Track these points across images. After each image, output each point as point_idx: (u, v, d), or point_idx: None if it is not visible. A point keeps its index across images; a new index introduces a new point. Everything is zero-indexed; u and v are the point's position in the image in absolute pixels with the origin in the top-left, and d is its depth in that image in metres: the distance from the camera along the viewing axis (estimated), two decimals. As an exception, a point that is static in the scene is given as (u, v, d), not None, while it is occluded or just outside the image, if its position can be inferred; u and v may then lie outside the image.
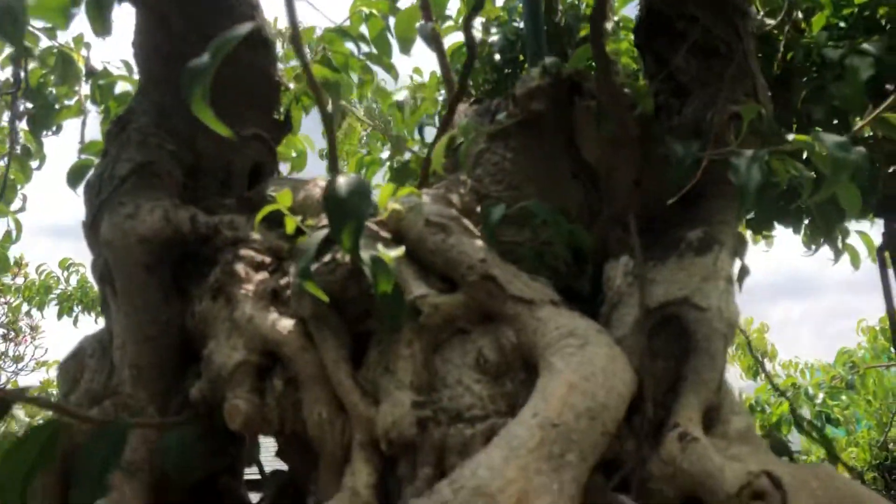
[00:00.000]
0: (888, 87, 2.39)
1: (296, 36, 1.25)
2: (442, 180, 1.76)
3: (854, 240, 2.85)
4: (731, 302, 1.48)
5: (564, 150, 1.71)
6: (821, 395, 4.83)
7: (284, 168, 2.85)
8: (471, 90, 2.49)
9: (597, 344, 1.34)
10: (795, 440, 6.51)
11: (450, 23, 2.74)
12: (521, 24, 2.72)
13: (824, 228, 2.26)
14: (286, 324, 1.47)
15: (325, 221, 1.54)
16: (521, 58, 2.79)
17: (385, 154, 2.99)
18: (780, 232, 2.99)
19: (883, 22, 2.40)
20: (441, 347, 1.48)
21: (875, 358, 6.35)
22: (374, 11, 2.47)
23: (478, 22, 2.90)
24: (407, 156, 2.70)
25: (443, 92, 2.98)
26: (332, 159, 1.30)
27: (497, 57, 2.70)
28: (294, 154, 2.90)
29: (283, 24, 2.74)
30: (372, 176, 2.98)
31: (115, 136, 1.87)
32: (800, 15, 2.52)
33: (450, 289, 1.50)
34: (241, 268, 1.61)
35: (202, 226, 1.70)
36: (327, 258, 1.42)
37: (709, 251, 1.51)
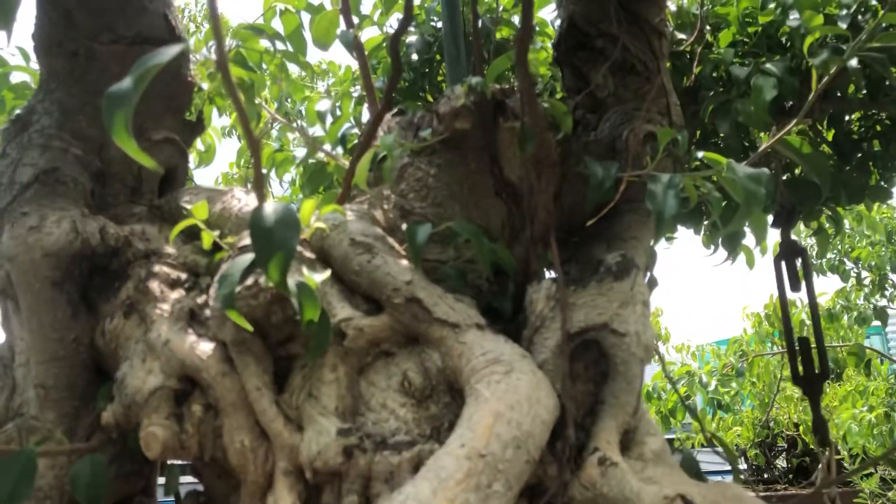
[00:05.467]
0: (788, 104, 2.52)
1: (221, 53, 1.20)
2: (364, 193, 1.74)
3: (748, 240, 3.03)
4: (647, 326, 1.53)
5: (488, 168, 1.72)
6: (713, 383, 5.08)
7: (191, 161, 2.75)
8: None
9: (521, 371, 1.36)
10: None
11: (366, 19, 2.69)
12: (439, 24, 2.70)
13: (729, 242, 2.36)
14: (205, 348, 1.43)
15: (245, 240, 1.50)
16: (438, 57, 2.78)
17: (295, 149, 2.93)
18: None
19: (784, 40, 2.51)
20: (365, 370, 1.48)
21: (760, 343, 6.74)
22: (290, 7, 2.40)
23: (393, 18, 2.87)
24: (321, 155, 2.65)
25: (357, 88, 2.95)
26: (258, 179, 1.25)
27: (414, 57, 2.68)
28: (202, 147, 2.80)
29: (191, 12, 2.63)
30: (283, 175, 2.91)
31: (14, 135, 1.77)
32: (708, 28, 2.62)
33: (374, 310, 1.49)
34: (155, 286, 1.55)
35: (112, 238, 1.63)
36: (250, 282, 1.38)
37: (626, 276, 1.54)
